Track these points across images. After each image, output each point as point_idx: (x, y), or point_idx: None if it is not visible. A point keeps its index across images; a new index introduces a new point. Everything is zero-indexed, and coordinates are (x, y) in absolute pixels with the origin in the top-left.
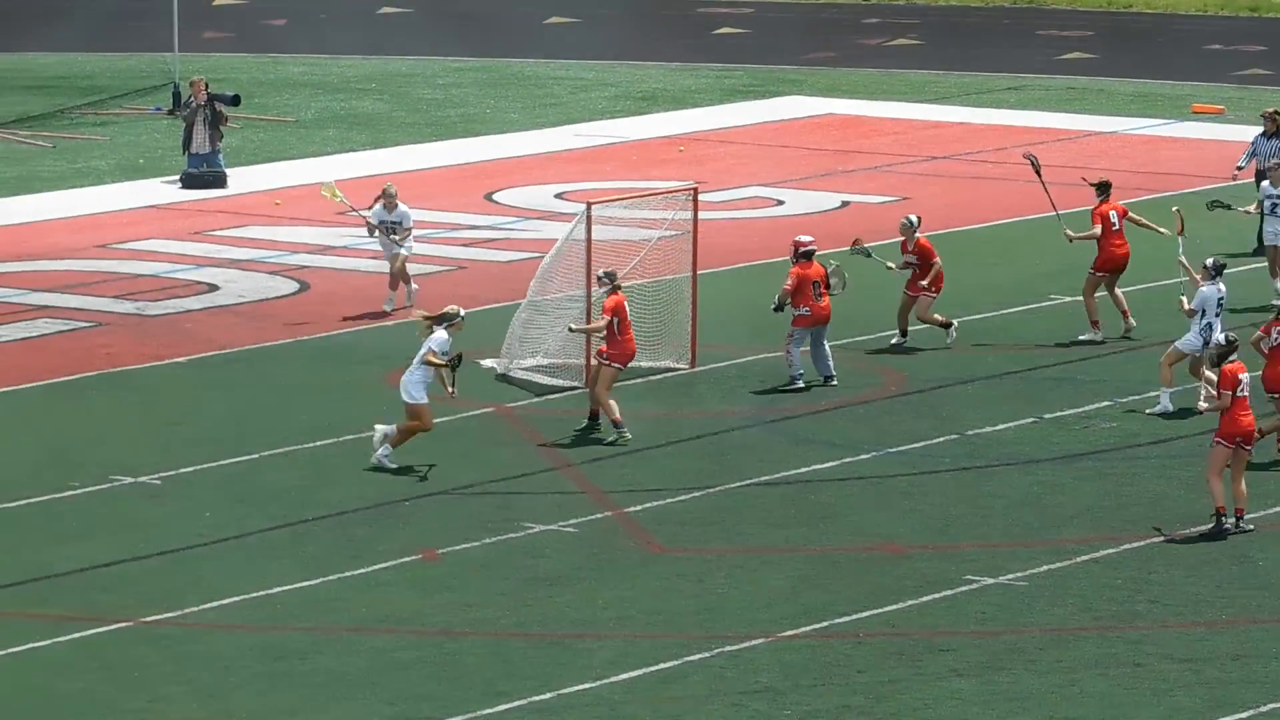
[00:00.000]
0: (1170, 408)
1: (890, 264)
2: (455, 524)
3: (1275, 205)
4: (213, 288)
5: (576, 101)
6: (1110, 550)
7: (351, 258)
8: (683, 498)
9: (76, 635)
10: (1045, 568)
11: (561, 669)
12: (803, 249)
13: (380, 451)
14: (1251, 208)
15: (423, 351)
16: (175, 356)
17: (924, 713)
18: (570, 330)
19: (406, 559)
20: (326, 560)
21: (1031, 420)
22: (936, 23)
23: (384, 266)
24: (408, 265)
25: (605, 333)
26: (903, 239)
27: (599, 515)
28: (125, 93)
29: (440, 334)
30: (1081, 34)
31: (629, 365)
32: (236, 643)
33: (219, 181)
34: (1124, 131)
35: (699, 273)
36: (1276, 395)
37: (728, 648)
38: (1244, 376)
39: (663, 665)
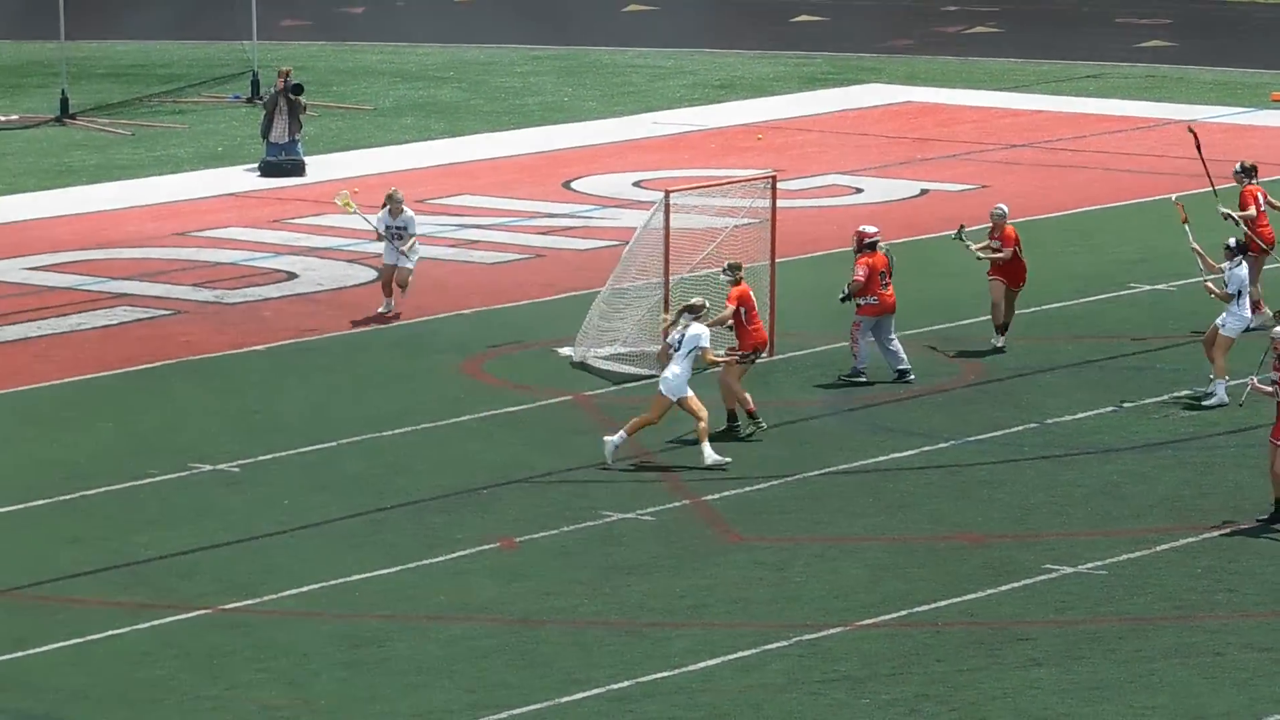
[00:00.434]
0: (1226, 400)
1: (981, 254)
2: (533, 512)
3: None
4: (291, 275)
5: (654, 89)
6: (1190, 539)
7: (428, 245)
8: (761, 486)
9: (155, 623)
10: (1125, 556)
11: (640, 657)
12: (867, 239)
13: (612, 444)
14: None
15: (688, 348)
16: (254, 344)
17: (1002, 702)
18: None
19: (485, 547)
20: (405, 548)
21: (1111, 409)
22: (1015, 10)
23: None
24: (410, 278)
25: (733, 323)
26: (990, 225)
27: (677, 504)
28: (204, 81)
29: (701, 327)
30: (1160, 22)
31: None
32: (315, 630)
33: (297, 170)
34: (1203, 119)
35: (777, 261)
36: None
37: (806, 636)
38: None
39: (741, 654)
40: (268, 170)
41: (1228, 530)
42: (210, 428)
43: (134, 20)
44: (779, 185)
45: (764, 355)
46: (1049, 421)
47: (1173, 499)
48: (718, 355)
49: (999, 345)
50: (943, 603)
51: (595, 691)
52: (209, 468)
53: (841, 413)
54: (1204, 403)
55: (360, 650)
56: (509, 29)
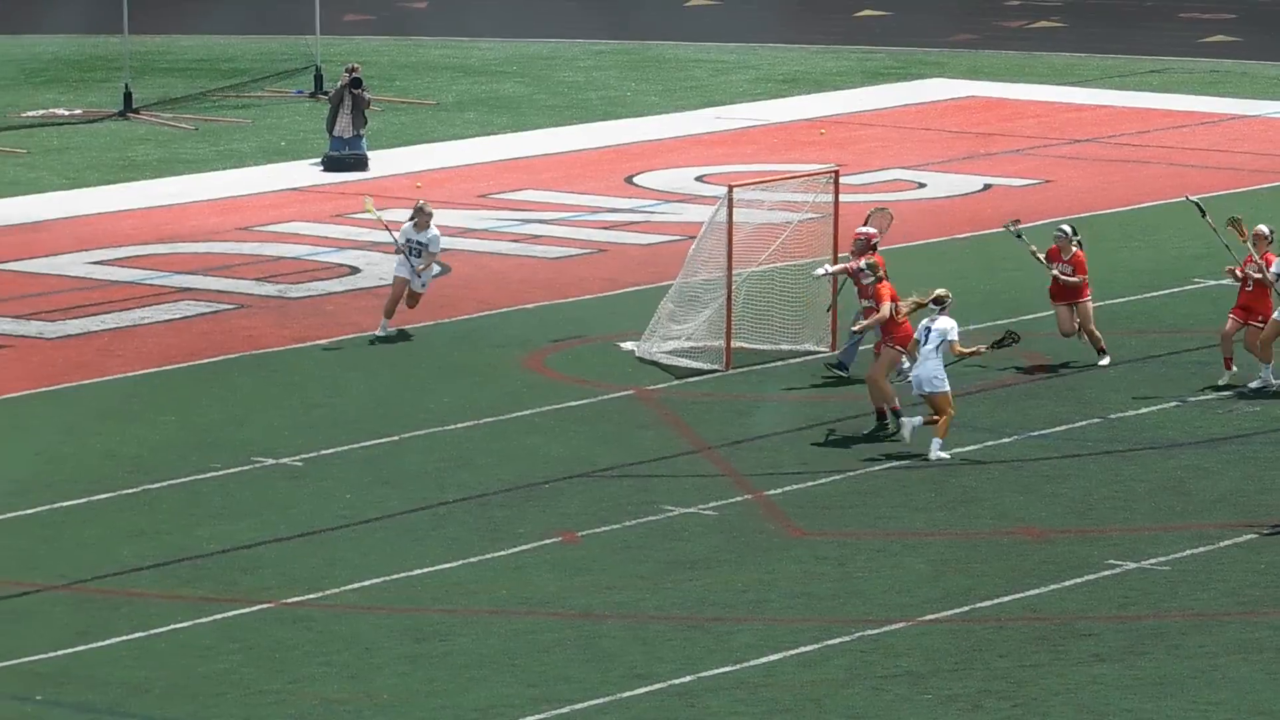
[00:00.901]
0: (1275, 383)
1: (1035, 249)
2: (595, 506)
3: None
4: (354, 270)
5: (717, 84)
6: (1253, 535)
7: (491, 240)
8: (823, 481)
9: (218, 616)
10: (1188, 552)
11: (702, 652)
12: (874, 240)
13: (936, 449)
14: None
15: (935, 342)
16: (316, 339)
17: (1065, 698)
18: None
19: (546, 541)
20: (466, 542)
21: (1174, 404)
22: (1078, 5)
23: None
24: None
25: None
26: (1055, 246)
27: (739, 498)
28: (267, 75)
29: (949, 320)
30: (1224, 17)
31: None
32: (377, 624)
33: (360, 164)
34: (1267, 115)
35: (840, 255)
36: None
37: (868, 631)
38: None
39: (803, 649)
40: (331, 165)
41: None
42: (273, 422)
43: (198, 15)
44: (841, 180)
45: (826, 350)
46: (1112, 416)
47: (1236, 494)
48: (970, 349)
49: (1103, 364)
50: (1005, 598)
51: (657, 686)
52: (272, 462)
53: (904, 408)
54: (1250, 384)
55: (422, 644)
56: (571, 23)
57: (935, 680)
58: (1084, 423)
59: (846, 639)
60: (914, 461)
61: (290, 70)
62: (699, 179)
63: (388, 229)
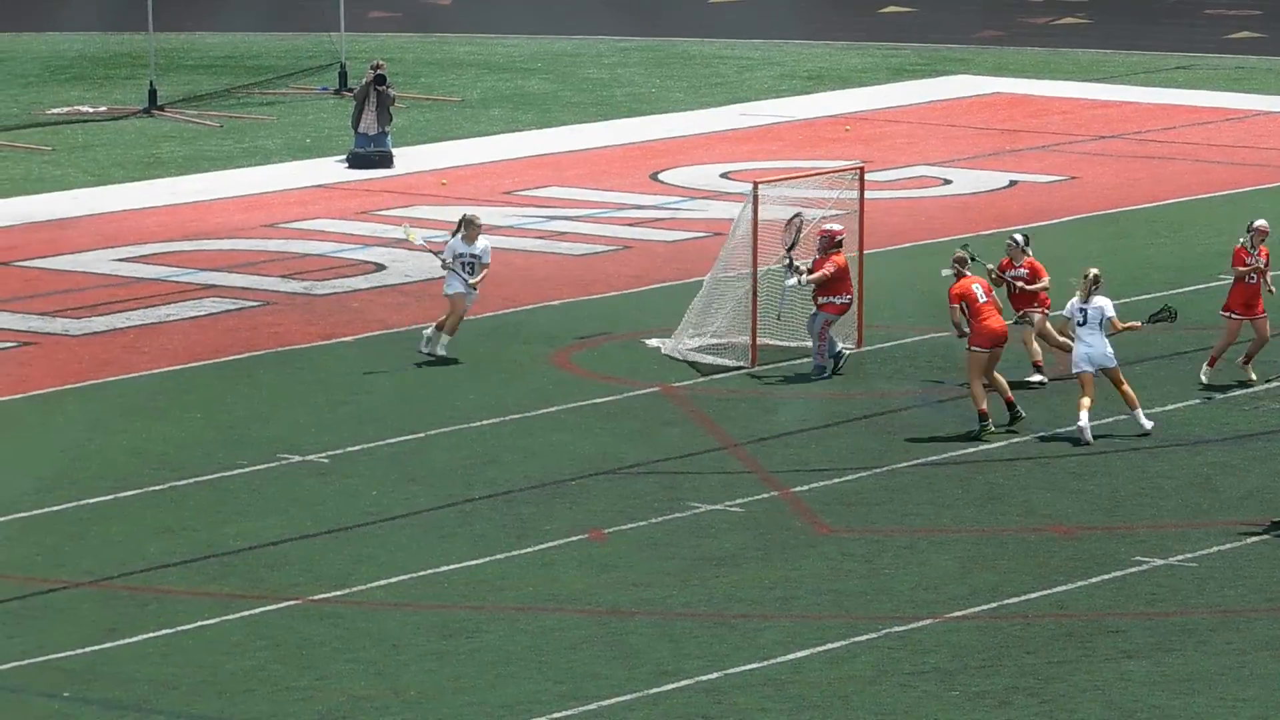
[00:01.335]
0: None
1: (990, 267)
2: (622, 503)
3: None
4: (379, 267)
5: (742, 81)
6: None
7: (516, 237)
8: (850, 478)
9: (245, 613)
10: (1215, 549)
11: (729, 649)
12: (838, 238)
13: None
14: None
15: (1096, 320)
16: (343, 336)
17: (1094, 694)
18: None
19: (574, 538)
20: (494, 539)
21: (1201, 400)
22: (1103, 1)
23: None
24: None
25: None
26: (1007, 257)
27: (766, 495)
28: (292, 73)
29: (1104, 298)
30: (1250, 13)
31: (994, 347)
32: (404, 620)
33: (385, 161)
34: None
35: (865, 252)
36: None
37: (896, 628)
38: None
39: (830, 646)
40: (356, 162)
41: None
42: (299, 419)
43: (222, 12)
44: (867, 176)
45: (853, 348)
46: (1139, 413)
47: (1263, 491)
48: (1128, 325)
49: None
50: (1033, 595)
51: (684, 683)
52: (298, 458)
53: (930, 404)
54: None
55: (449, 641)
56: (597, 20)
57: (963, 677)
58: (1111, 419)
59: (874, 636)
60: (942, 458)
61: (315, 67)
62: (724, 176)
63: (432, 251)
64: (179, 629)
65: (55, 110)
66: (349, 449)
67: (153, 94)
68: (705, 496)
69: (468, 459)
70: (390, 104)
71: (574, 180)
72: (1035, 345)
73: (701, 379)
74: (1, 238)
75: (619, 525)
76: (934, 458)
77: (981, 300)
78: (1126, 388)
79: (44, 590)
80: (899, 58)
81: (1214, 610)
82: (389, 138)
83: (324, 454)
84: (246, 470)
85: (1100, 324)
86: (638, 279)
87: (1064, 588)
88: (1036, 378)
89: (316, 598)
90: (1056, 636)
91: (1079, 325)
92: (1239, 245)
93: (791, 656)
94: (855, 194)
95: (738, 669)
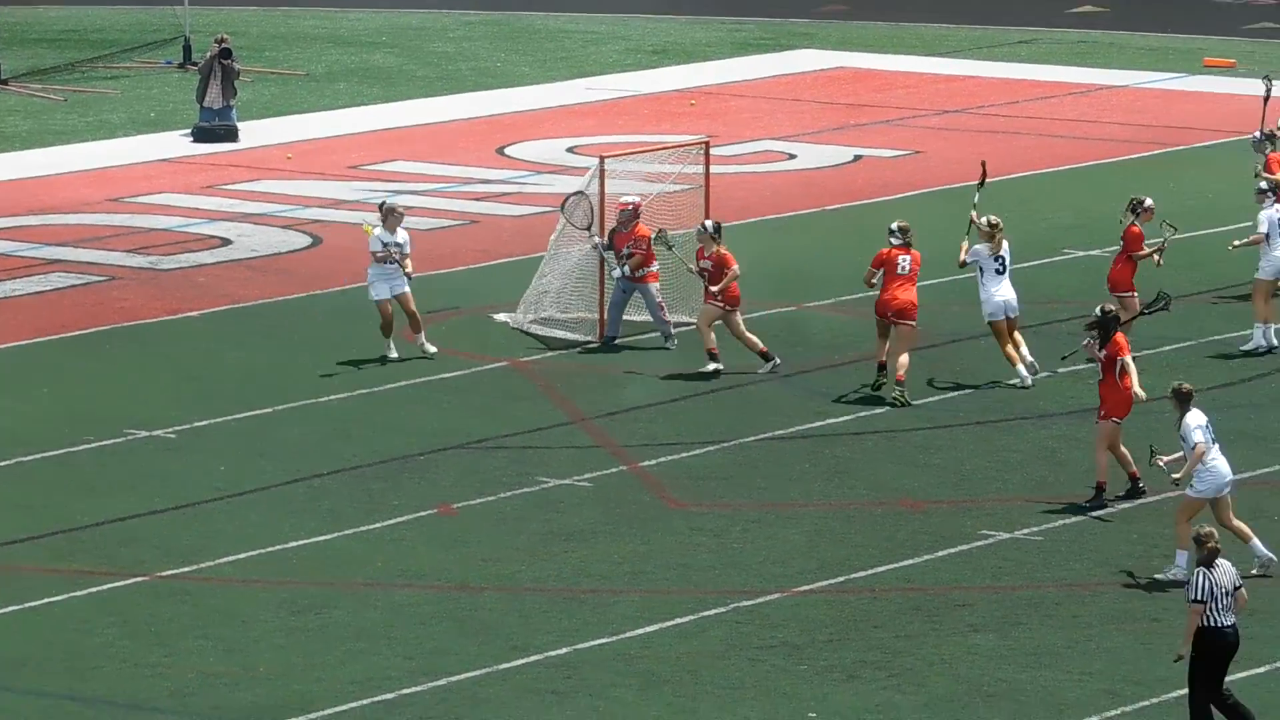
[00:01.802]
0: (1264, 344)
1: (691, 267)
2: (472, 478)
3: None
4: (225, 242)
5: (588, 55)
6: (1126, 505)
7: (363, 211)
8: (699, 452)
9: (94, 589)
10: (1061, 522)
11: (579, 623)
12: (639, 210)
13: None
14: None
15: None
16: (190, 311)
17: (941, 668)
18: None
19: (423, 513)
20: (343, 515)
21: (1047, 374)
22: None
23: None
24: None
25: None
26: (699, 245)
27: (616, 469)
28: (136, 46)
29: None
30: None
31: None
32: (254, 597)
33: (230, 135)
34: (1136, 85)
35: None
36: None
37: (745, 603)
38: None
39: (680, 620)
40: (201, 136)
41: (1163, 496)
42: (147, 394)
43: None
44: (712, 151)
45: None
46: (985, 386)
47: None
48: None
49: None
50: (881, 569)
51: (534, 658)
52: (145, 434)
53: (779, 378)
54: (1242, 346)
55: (299, 617)
56: None
57: (811, 651)
58: (957, 393)
59: (723, 610)
60: (790, 432)
61: (160, 41)
62: (570, 150)
63: (389, 251)
64: (27, 605)
65: None
66: (197, 424)
67: None
68: (555, 471)
69: (317, 434)
70: (235, 78)
71: (420, 155)
72: (713, 333)
73: (550, 353)
74: None
75: (468, 500)
76: (782, 432)
77: (900, 273)
78: (1019, 338)
79: None
80: (744, 32)
81: (1060, 584)
82: (234, 111)
83: (172, 429)
84: (94, 446)
85: (1009, 271)
86: (485, 254)
87: (911, 561)
88: (711, 366)
89: (166, 574)
90: (904, 610)
91: (996, 273)
92: (1133, 225)
93: (641, 631)
94: (701, 168)
95: (587, 644)
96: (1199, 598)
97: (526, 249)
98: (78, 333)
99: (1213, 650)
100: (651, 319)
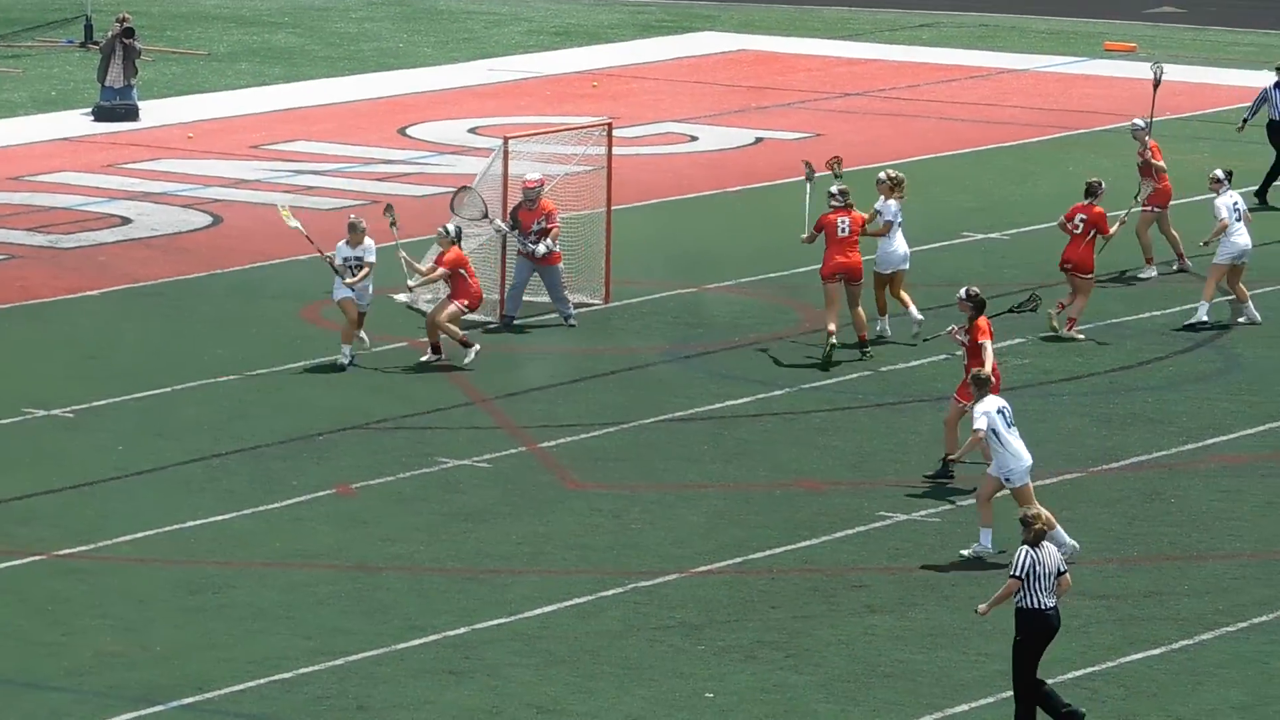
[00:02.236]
0: (1207, 319)
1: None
2: (371, 458)
3: None
4: (126, 220)
5: (491, 36)
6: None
7: (265, 191)
8: (598, 433)
9: None
10: (959, 504)
11: (478, 603)
12: (542, 184)
13: None
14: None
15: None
16: (89, 289)
17: (839, 648)
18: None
19: (322, 493)
20: (242, 494)
21: (944, 357)
22: None
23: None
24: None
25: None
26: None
27: (515, 450)
28: (37, 25)
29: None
30: None
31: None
32: (152, 576)
33: (131, 115)
34: (1037, 69)
35: (613, 208)
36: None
37: (643, 583)
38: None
39: (578, 600)
40: (102, 115)
41: (1062, 478)
42: (45, 372)
43: None
44: (615, 133)
45: (600, 302)
46: (884, 369)
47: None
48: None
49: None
50: (779, 550)
51: (433, 638)
52: (43, 413)
53: (678, 359)
54: (1187, 321)
55: (197, 596)
56: None
57: (710, 631)
58: (856, 375)
59: (621, 590)
60: (689, 414)
61: (61, 20)
62: (472, 131)
63: (310, 240)
64: None
65: None
66: (95, 403)
67: None
68: (454, 451)
69: (215, 414)
70: (136, 57)
71: (322, 135)
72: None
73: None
74: None
75: (367, 480)
76: (681, 413)
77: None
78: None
79: None
80: (646, 14)
81: (958, 565)
82: (135, 91)
83: (70, 408)
84: None
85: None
86: (386, 234)
87: (810, 542)
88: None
89: (63, 553)
90: (802, 591)
91: (898, 226)
92: (1095, 206)
93: (540, 611)
94: (603, 150)
95: (486, 623)
96: (1017, 574)
97: (427, 229)
98: None
99: (1032, 630)
100: (551, 299)
